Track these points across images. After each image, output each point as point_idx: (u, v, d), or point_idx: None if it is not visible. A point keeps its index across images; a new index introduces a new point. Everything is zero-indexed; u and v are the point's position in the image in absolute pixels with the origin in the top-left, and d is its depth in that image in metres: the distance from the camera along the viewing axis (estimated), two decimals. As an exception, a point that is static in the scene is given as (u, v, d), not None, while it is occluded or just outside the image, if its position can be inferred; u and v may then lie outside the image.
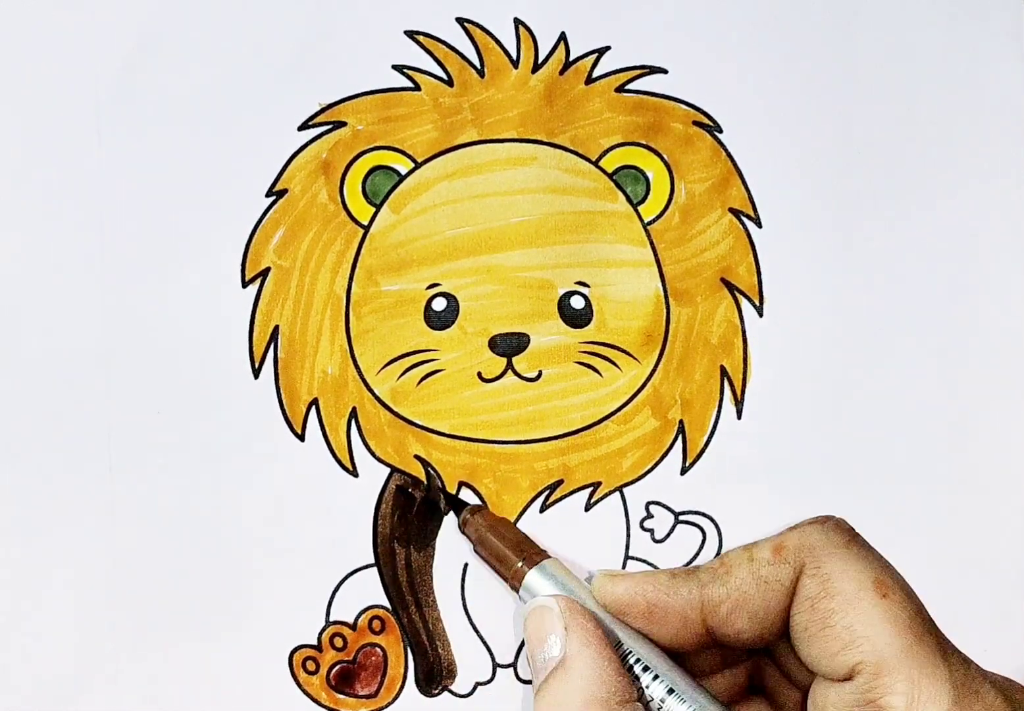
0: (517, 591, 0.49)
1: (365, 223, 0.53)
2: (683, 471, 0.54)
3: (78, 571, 0.52)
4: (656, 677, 0.46)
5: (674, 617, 0.46)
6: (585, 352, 0.53)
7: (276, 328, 0.53)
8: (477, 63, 0.54)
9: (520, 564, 0.49)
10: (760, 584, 0.45)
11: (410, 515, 0.53)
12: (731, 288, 0.54)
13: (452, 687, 0.53)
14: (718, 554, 0.53)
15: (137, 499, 0.52)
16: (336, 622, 0.53)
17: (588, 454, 0.53)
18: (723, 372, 0.54)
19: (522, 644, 0.53)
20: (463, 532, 0.52)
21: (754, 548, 0.46)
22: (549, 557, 0.49)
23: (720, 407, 0.54)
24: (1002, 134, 0.55)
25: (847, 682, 0.43)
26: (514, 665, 0.53)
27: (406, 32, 0.54)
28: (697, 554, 0.54)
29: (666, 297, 0.54)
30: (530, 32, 0.54)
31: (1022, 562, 0.54)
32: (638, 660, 0.46)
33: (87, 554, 0.52)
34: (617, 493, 0.54)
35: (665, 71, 0.54)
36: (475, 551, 0.51)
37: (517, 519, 0.53)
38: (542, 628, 0.46)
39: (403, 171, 0.53)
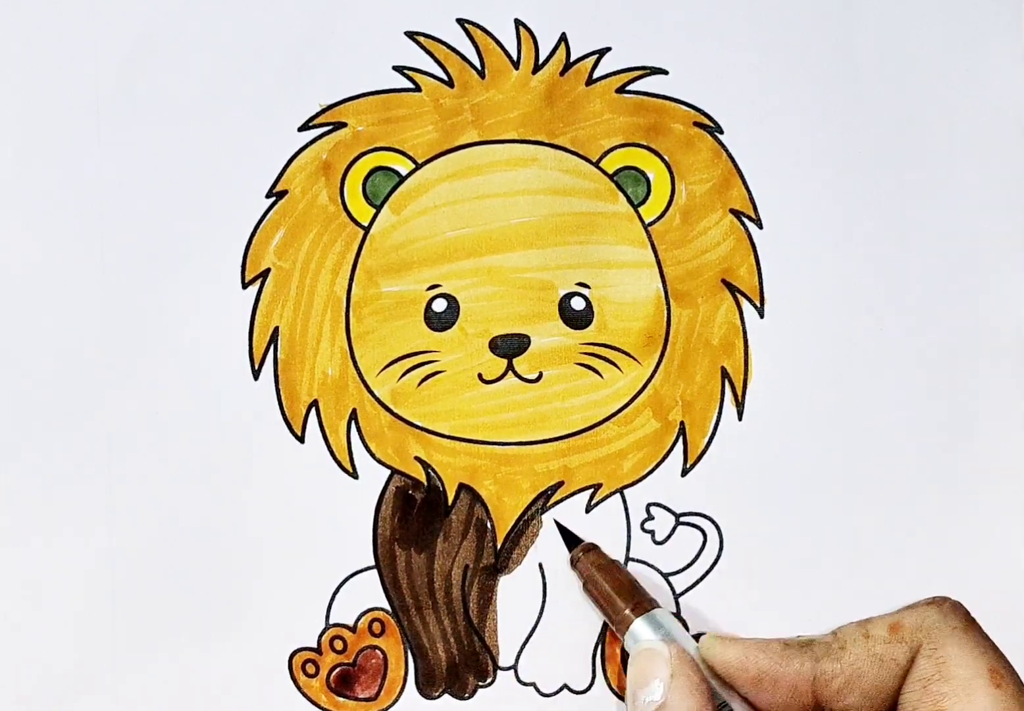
0: (622, 636, 0.49)
1: (365, 224, 0.53)
2: (684, 473, 0.54)
3: (77, 573, 0.52)
4: None
5: (784, 688, 0.47)
6: (586, 353, 0.53)
7: (276, 329, 0.53)
8: (478, 64, 0.54)
9: (628, 610, 0.49)
10: (875, 661, 0.46)
11: (410, 517, 0.53)
12: (732, 289, 0.54)
13: (452, 690, 0.53)
14: (718, 556, 0.53)
15: (136, 501, 0.52)
16: (336, 625, 0.53)
17: (589, 455, 0.53)
18: (724, 373, 0.54)
19: (523, 645, 0.53)
20: (573, 568, 0.52)
21: (869, 625, 0.47)
22: (659, 606, 0.49)
23: (721, 408, 0.54)
24: (1003, 134, 0.55)
25: None
26: (515, 667, 0.53)
27: (406, 33, 0.54)
28: (698, 556, 0.54)
29: (667, 298, 0.54)
30: (531, 33, 0.54)
31: (1022, 562, 0.54)
32: None
33: (86, 556, 0.52)
34: (618, 495, 0.54)
35: (666, 72, 0.54)
36: (584, 589, 0.51)
37: (518, 520, 0.53)
38: (648, 671, 0.47)
39: (403, 172, 0.53)
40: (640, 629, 0.49)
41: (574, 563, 0.52)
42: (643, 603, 0.50)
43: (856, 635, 0.47)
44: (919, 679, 0.45)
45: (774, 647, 0.47)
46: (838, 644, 0.47)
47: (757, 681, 0.47)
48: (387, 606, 0.53)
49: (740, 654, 0.47)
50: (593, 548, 0.52)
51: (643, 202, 0.54)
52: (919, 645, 0.46)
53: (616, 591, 0.50)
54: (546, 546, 0.53)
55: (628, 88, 0.54)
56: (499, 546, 0.53)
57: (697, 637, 0.49)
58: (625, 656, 0.53)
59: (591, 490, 0.53)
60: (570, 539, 0.53)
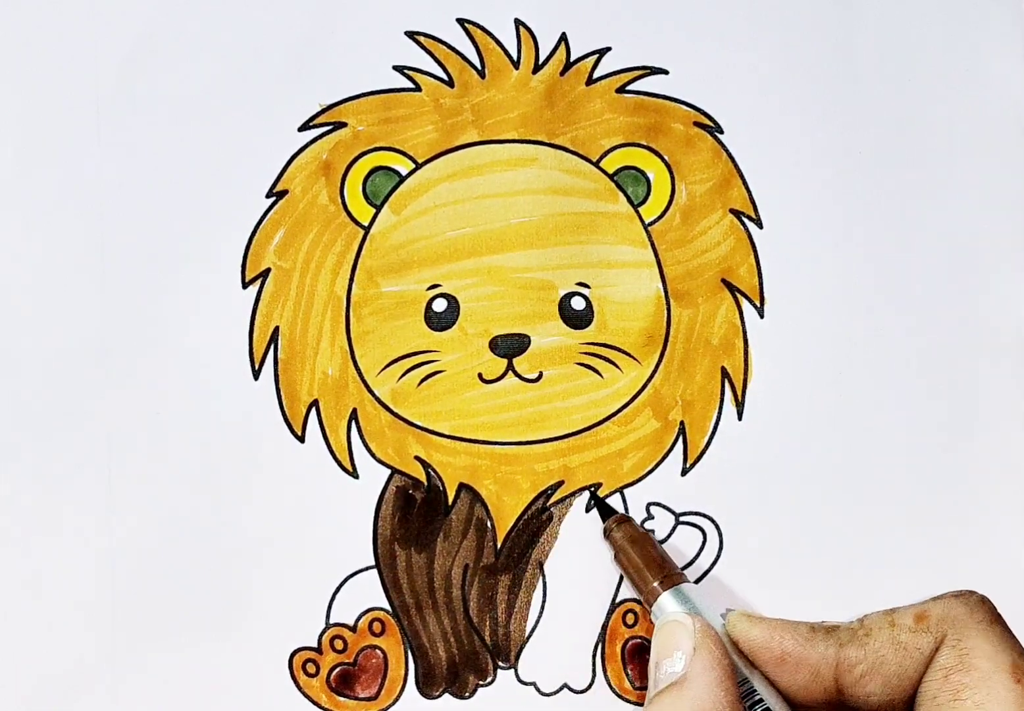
0: (650, 607, 0.50)
1: (365, 224, 0.53)
2: (684, 472, 0.54)
3: (78, 573, 0.52)
4: None
5: (806, 670, 0.47)
6: (586, 353, 0.53)
7: (276, 329, 0.53)
8: (478, 64, 0.54)
9: (657, 583, 0.49)
10: (899, 649, 0.46)
11: (411, 517, 0.53)
12: (732, 289, 0.54)
13: (452, 689, 0.53)
14: (718, 555, 0.53)
15: (136, 501, 0.52)
16: (336, 624, 0.53)
17: (589, 455, 0.53)
18: (724, 373, 0.54)
19: (523, 645, 0.53)
20: (606, 539, 0.52)
21: (895, 614, 0.47)
22: (688, 581, 0.50)
23: (721, 408, 0.54)
24: (1003, 134, 0.55)
25: None
26: (515, 667, 0.53)
27: (407, 33, 0.53)
28: (698, 555, 0.54)
29: (667, 298, 0.54)
30: (531, 33, 0.54)
31: (1021, 563, 0.54)
32: (760, 701, 0.47)
33: (86, 556, 0.52)
34: (618, 494, 0.54)
35: (666, 72, 0.54)
36: (615, 560, 0.52)
37: (518, 519, 0.53)
38: (671, 642, 0.47)
39: (404, 172, 0.53)
40: (667, 602, 0.49)
41: (607, 534, 0.52)
42: (672, 576, 0.50)
43: (882, 623, 0.47)
44: (941, 668, 0.45)
45: (800, 629, 0.47)
46: (863, 631, 0.47)
47: (780, 661, 0.47)
48: (387, 606, 0.53)
49: (766, 633, 0.47)
50: (627, 520, 0.52)
51: (643, 202, 0.54)
52: (944, 635, 0.46)
53: (646, 564, 0.50)
54: (546, 546, 0.53)
55: (628, 88, 0.54)
56: (499, 546, 0.53)
57: (725, 614, 0.50)
58: (625, 656, 0.53)
59: (591, 489, 0.53)
60: (604, 510, 0.53)
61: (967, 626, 0.46)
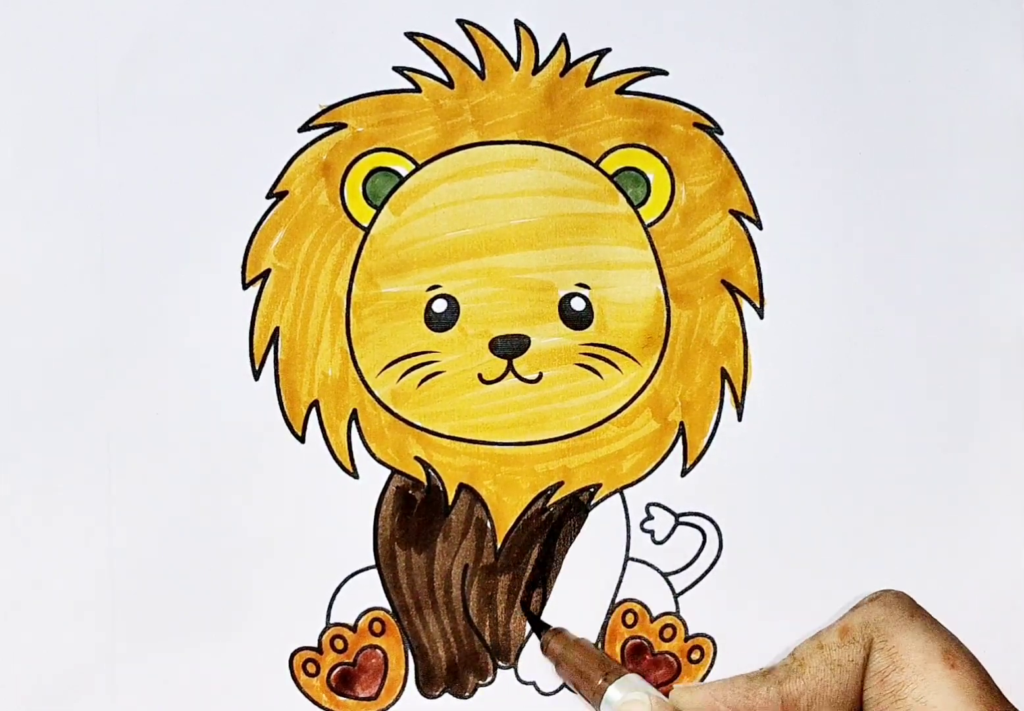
0: (598, 707, 0.50)
1: (365, 225, 0.53)
2: (683, 473, 0.54)
3: (78, 574, 0.52)
4: None
5: None
6: (585, 354, 0.53)
7: (276, 330, 0.53)
8: (478, 65, 0.53)
9: (601, 680, 0.49)
10: (834, 669, 0.46)
11: (411, 517, 0.53)
12: (732, 290, 0.54)
13: (452, 689, 0.53)
14: (718, 555, 0.54)
15: (137, 501, 0.52)
16: (336, 624, 0.53)
17: (588, 456, 0.53)
18: (723, 374, 0.54)
19: (523, 645, 0.53)
20: (544, 654, 0.52)
21: (820, 636, 0.48)
22: (630, 672, 0.50)
23: (720, 409, 0.54)
24: (1003, 134, 0.55)
25: None
26: (515, 666, 0.53)
27: (406, 33, 0.53)
28: (697, 555, 0.54)
29: (667, 299, 0.54)
30: (531, 34, 0.54)
31: (1021, 563, 0.55)
32: None
33: (86, 556, 0.52)
34: (617, 495, 0.54)
35: (666, 73, 0.54)
36: (558, 672, 0.52)
37: (517, 520, 0.53)
38: None
39: (403, 173, 0.53)
40: (614, 693, 0.49)
41: (544, 647, 0.52)
42: (614, 670, 0.50)
43: (811, 649, 0.47)
44: (876, 673, 0.46)
45: (739, 682, 0.48)
46: (796, 663, 0.47)
47: None
48: (387, 606, 0.53)
49: (708, 696, 0.48)
50: (560, 631, 0.52)
51: (643, 203, 0.54)
52: (870, 641, 0.46)
53: (586, 664, 0.50)
54: (546, 546, 0.53)
55: (628, 89, 0.54)
56: (499, 546, 0.53)
57: (666, 693, 0.50)
58: (625, 656, 0.53)
59: (591, 490, 0.53)
60: (537, 624, 0.53)
61: (889, 625, 0.46)
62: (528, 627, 0.53)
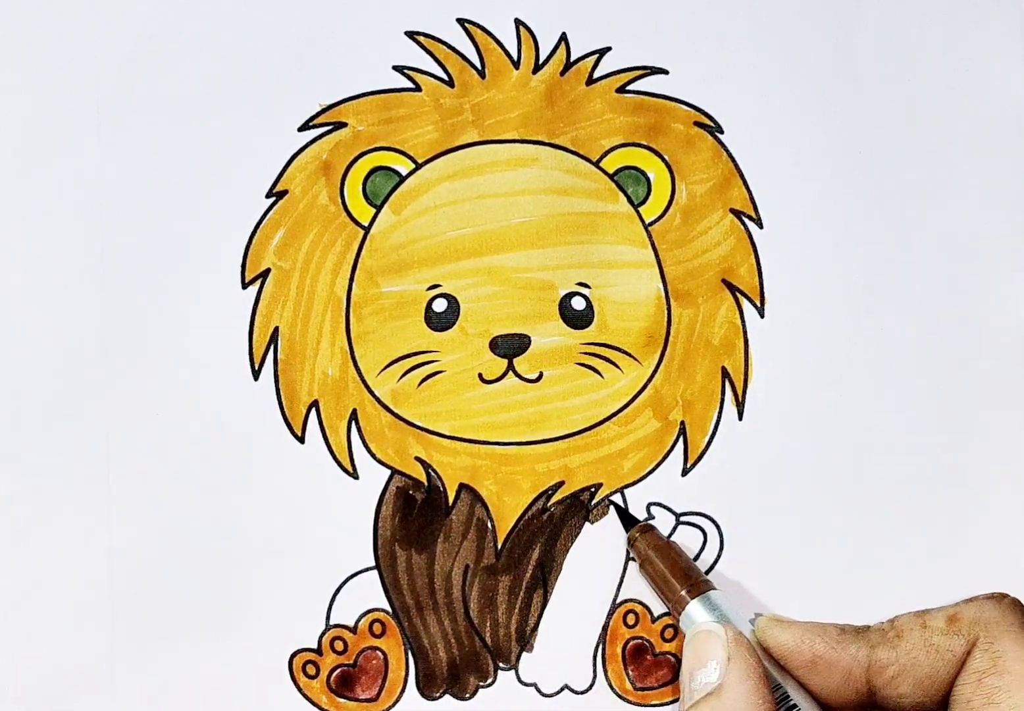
0: (678, 617, 0.49)
1: (365, 224, 0.53)
2: (684, 472, 0.54)
3: (77, 574, 0.52)
4: None
5: (838, 672, 0.47)
6: (586, 353, 0.53)
7: (276, 329, 0.53)
8: (478, 64, 0.54)
9: (684, 592, 0.49)
10: (931, 651, 0.46)
11: (411, 517, 0.53)
12: (732, 289, 0.54)
13: (453, 690, 0.53)
14: (719, 555, 0.53)
15: (136, 501, 0.52)
16: (336, 625, 0.53)
17: (589, 455, 0.53)
18: (724, 373, 0.54)
19: (523, 645, 0.53)
20: (630, 549, 0.52)
21: (927, 615, 0.47)
22: (715, 588, 0.49)
23: (721, 408, 0.54)
24: (1003, 134, 0.55)
25: None
26: (515, 668, 0.53)
27: (407, 32, 0.53)
28: (698, 555, 0.53)
29: (667, 298, 0.54)
30: (531, 33, 0.54)
31: (1021, 563, 0.54)
32: (794, 706, 0.47)
33: (86, 557, 0.52)
34: (618, 494, 0.53)
35: (666, 72, 0.54)
36: (640, 570, 0.51)
37: (518, 520, 0.53)
38: (705, 652, 0.47)
39: (404, 172, 0.53)
40: (695, 611, 0.49)
41: (631, 543, 0.52)
42: (699, 584, 0.50)
43: (913, 624, 0.47)
44: (974, 671, 0.45)
45: (830, 631, 0.47)
46: (894, 632, 0.47)
47: (812, 665, 0.47)
48: (387, 607, 0.53)
49: (796, 637, 0.47)
50: (650, 529, 0.52)
51: (643, 202, 0.54)
52: (976, 638, 0.46)
53: (672, 572, 0.50)
54: (547, 546, 0.53)
55: (628, 88, 0.54)
56: (500, 546, 0.53)
57: (754, 619, 0.49)
58: (626, 657, 0.53)
59: (591, 490, 0.53)
60: (627, 519, 0.53)
61: (1000, 629, 0.46)
62: (528, 629, 0.53)
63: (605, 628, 0.53)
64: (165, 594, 0.52)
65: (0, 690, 0.51)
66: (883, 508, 0.54)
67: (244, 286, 0.53)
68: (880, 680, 0.47)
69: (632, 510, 0.53)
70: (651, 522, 0.53)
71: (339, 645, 0.53)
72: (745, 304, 0.54)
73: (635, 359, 0.54)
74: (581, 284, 0.53)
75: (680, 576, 0.50)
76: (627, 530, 0.52)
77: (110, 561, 0.52)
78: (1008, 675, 0.45)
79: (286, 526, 0.52)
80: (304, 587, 0.53)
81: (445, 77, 0.53)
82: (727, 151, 0.54)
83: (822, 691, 0.47)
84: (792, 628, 0.48)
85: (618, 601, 0.53)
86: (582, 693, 0.53)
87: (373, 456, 0.53)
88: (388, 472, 0.53)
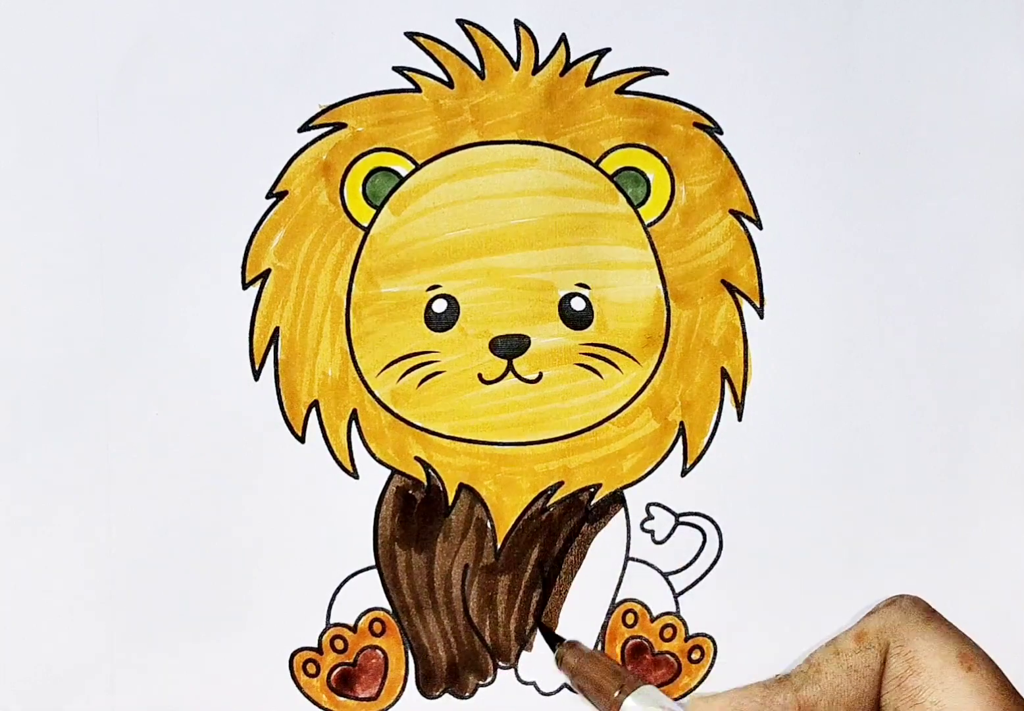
0: None
1: (365, 225, 0.53)
2: (684, 473, 0.54)
3: (77, 573, 0.52)
4: None
5: None
6: (585, 354, 0.53)
7: (276, 330, 0.53)
8: (477, 65, 0.53)
9: (618, 693, 0.49)
10: (852, 674, 0.46)
11: (411, 517, 0.53)
12: (732, 290, 0.54)
13: (453, 689, 0.53)
14: (718, 555, 0.54)
15: (136, 501, 0.52)
16: (337, 624, 0.53)
17: (589, 456, 0.53)
18: (724, 374, 0.54)
19: (523, 645, 0.53)
20: (559, 667, 0.52)
21: (836, 642, 0.47)
22: (646, 684, 0.49)
23: (721, 409, 0.54)
24: (1003, 134, 0.55)
25: None
26: (515, 666, 0.53)
27: (406, 33, 0.53)
28: (697, 555, 0.54)
29: (667, 299, 0.54)
30: (531, 33, 0.54)
31: (1021, 563, 0.55)
32: None
33: (86, 556, 0.52)
34: (618, 494, 0.54)
35: (666, 73, 0.54)
36: (573, 683, 0.51)
37: (518, 520, 0.53)
38: None
39: (403, 173, 0.53)
40: (632, 705, 0.49)
41: (559, 660, 0.52)
42: (630, 681, 0.50)
43: (827, 655, 0.47)
44: (893, 677, 0.45)
45: (755, 690, 0.47)
46: (813, 669, 0.47)
47: None
48: (387, 606, 0.53)
49: (725, 705, 0.47)
50: (575, 644, 0.52)
51: (643, 203, 0.54)
52: (887, 646, 0.46)
53: (603, 676, 0.50)
54: (546, 546, 0.53)
55: (628, 89, 0.54)
56: (499, 546, 0.53)
57: (686, 702, 0.49)
58: (625, 656, 0.53)
59: (591, 490, 0.53)
60: (551, 638, 0.53)
61: (905, 630, 0.46)
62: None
63: (604, 627, 0.53)
64: (165, 593, 0.52)
65: (0, 690, 0.51)
66: (883, 508, 0.54)
67: (244, 287, 0.53)
68: None
69: (632, 510, 0.54)
70: (574, 639, 0.52)
71: (339, 644, 0.53)
72: (744, 305, 0.54)
73: (634, 360, 0.54)
74: (580, 285, 0.53)
75: (611, 678, 0.50)
76: (553, 649, 0.52)
77: (110, 561, 0.52)
78: (925, 672, 0.45)
79: (286, 525, 0.53)
80: (304, 586, 0.53)
81: (445, 78, 0.53)
82: (726, 152, 0.54)
83: None
84: (720, 699, 0.48)
85: (617, 600, 0.54)
86: (581, 692, 0.53)
87: (373, 456, 0.53)
88: (388, 472, 0.53)
